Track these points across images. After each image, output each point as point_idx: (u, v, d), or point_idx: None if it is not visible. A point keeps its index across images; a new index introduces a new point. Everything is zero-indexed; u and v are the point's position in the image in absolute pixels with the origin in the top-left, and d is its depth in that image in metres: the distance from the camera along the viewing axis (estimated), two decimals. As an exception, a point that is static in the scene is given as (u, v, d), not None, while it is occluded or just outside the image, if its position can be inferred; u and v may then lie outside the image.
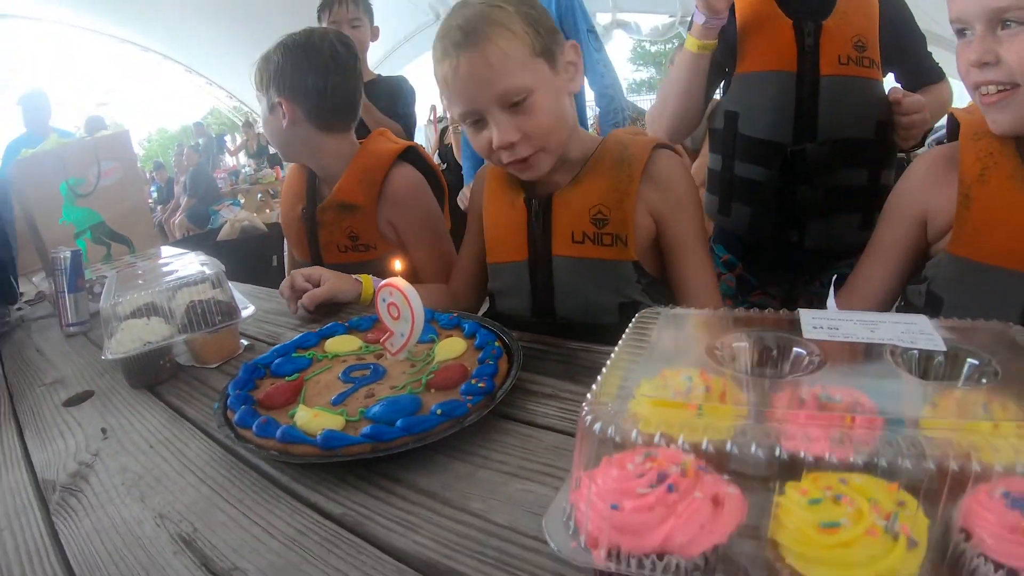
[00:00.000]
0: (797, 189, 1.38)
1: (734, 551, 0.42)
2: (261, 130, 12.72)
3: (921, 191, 1.09)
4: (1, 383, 1.31)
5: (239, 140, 13.89)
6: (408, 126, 2.62)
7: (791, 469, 0.42)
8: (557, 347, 1.00)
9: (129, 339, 1.05)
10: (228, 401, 0.84)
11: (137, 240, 2.04)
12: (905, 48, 1.45)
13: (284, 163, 11.49)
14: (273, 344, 1.12)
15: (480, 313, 1.28)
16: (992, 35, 0.91)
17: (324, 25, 2.43)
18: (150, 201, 10.82)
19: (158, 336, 1.06)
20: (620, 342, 0.59)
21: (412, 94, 2.66)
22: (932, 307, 1.01)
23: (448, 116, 4.45)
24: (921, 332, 0.54)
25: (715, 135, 1.52)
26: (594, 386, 0.49)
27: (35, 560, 0.66)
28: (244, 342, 1.20)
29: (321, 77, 1.48)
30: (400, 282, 0.85)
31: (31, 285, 2.24)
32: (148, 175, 11.26)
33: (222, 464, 0.78)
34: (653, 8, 7.73)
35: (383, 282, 0.87)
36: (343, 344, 0.99)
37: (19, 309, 1.92)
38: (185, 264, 1.26)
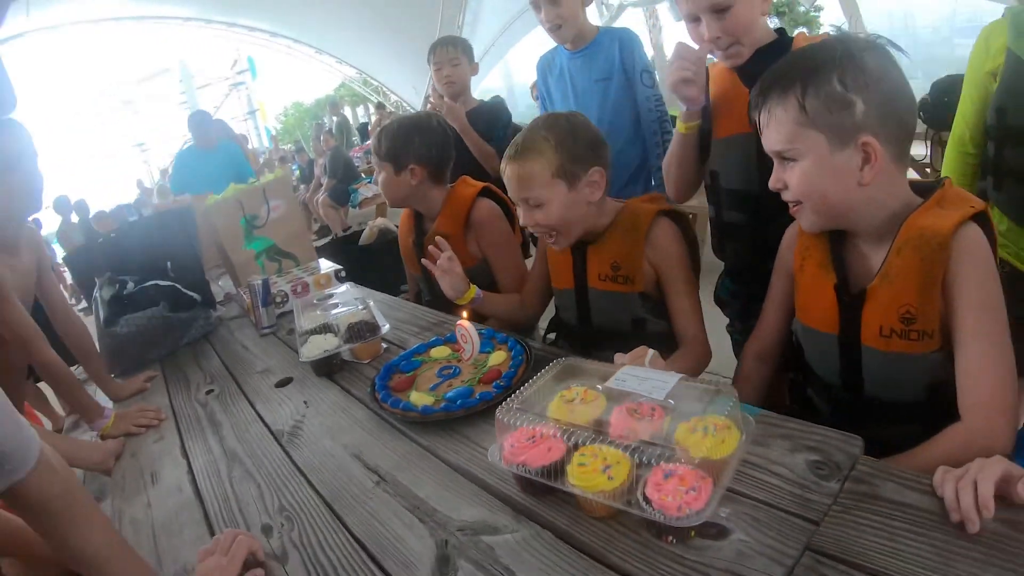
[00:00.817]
0: (769, 226, 1.68)
1: (552, 469, 1.09)
2: (392, 109, 13.61)
3: (784, 256, 1.55)
4: (224, 370, 2.17)
5: (372, 113, 14.69)
6: (501, 149, 3.27)
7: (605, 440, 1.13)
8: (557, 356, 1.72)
9: (315, 348, 1.85)
10: (375, 387, 1.63)
11: (300, 256, 2.92)
12: None
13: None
14: (402, 347, 1.90)
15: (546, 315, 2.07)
16: (781, 166, 1.33)
17: (431, 64, 3.21)
18: (293, 180, 12.03)
19: (332, 346, 1.86)
20: (533, 379, 1.30)
21: (508, 119, 3.28)
22: (796, 353, 1.53)
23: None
24: (659, 387, 1.15)
25: (707, 190, 1.98)
26: (504, 402, 1.22)
27: (282, 466, 1.47)
28: (384, 345, 1.99)
29: (438, 146, 2.27)
30: (465, 323, 1.60)
31: (217, 287, 3.15)
32: (291, 154, 12.43)
33: (372, 421, 1.57)
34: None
35: (457, 323, 1.63)
36: (440, 351, 1.76)
37: (215, 311, 2.81)
38: (343, 296, 2.06)
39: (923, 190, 1.31)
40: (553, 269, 1.96)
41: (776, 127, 1.31)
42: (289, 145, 14.14)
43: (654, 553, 0.99)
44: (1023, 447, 1.20)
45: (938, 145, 4.47)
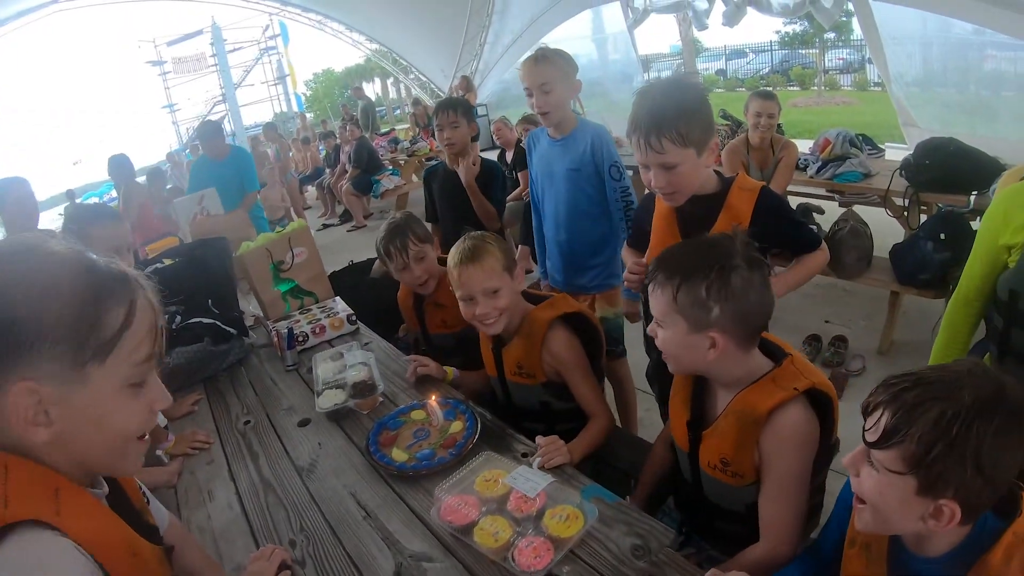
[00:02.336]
0: None
1: (469, 528, 1.85)
2: (426, 105, 14.04)
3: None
4: (258, 403, 2.94)
5: (402, 88, 15.14)
6: (500, 210, 3.99)
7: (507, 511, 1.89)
8: (500, 430, 2.47)
9: (328, 400, 2.61)
10: (369, 441, 2.39)
11: (320, 294, 3.72)
12: (782, 235, 2.24)
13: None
14: (393, 401, 2.65)
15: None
16: (657, 326, 1.81)
17: (435, 125, 3.90)
18: (320, 160, 12.69)
19: (341, 399, 2.62)
20: (460, 471, 2.06)
21: (503, 181, 3.92)
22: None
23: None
24: (534, 486, 1.93)
25: (643, 307, 2.65)
26: (440, 486, 1.98)
27: (302, 496, 2.23)
28: (380, 399, 2.73)
29: None
30: (432, 403, 2.37)
31: (244, 302, 3.87)
32: (318, 141, 13.09)
33: (365, 467, 2.32)
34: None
35: (428, 402, 2.39)
36: (418, 414, 2.50)
37: (248, 338, 3.54)
38: (351, 358, 2.82)
39: (773, 354, 1.78)
40: (484, 360, 2.62)
41: (656, 300, 1.74)
42: (318, 128, 14.66)
43: None
44: (805, 553, 1.73)
45: (915, 204, 4.95)
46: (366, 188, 10.76)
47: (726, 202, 2.18)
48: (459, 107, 3.83)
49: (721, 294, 1.62)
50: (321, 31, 16.42)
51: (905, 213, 5.03)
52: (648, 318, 2.34)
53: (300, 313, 3.58)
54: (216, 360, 3.27)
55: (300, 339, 3.32)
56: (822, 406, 1.70)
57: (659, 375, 2.58)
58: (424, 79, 16.55)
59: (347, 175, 10.89)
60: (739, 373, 1.75)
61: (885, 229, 5.30)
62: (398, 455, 2.28)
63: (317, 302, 3.71)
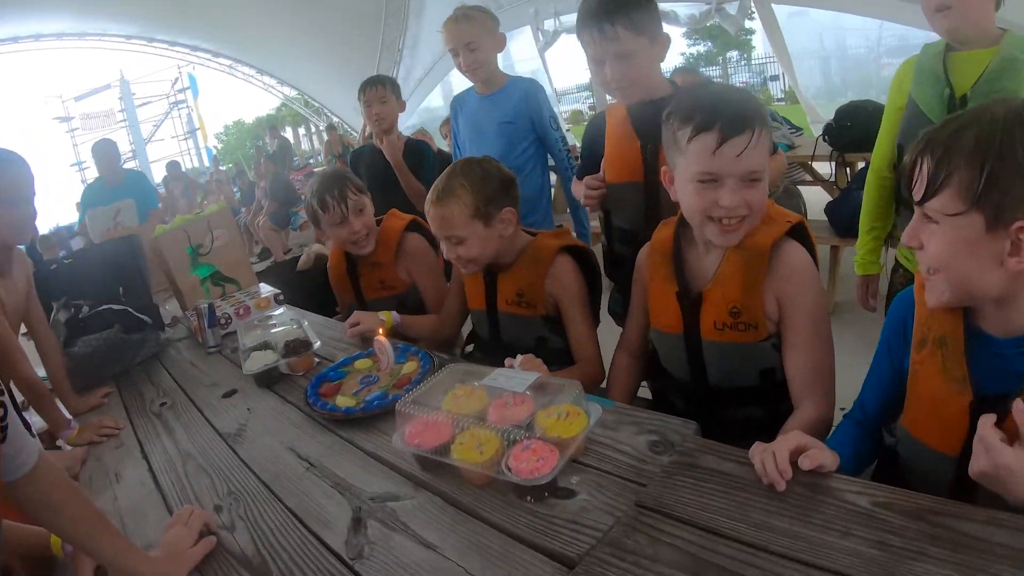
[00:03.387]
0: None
1: (443, 448, 1.43)
2: (343, 133, 13.67)
3: (640, 272, 1.85)
4: (175, 386, 2.45)
5: (313, 132, 14.82)
6: (429, 185, 3.60)
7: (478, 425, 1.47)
8: (462, 365, 2.05)
9: (256, 362, 2.15)
10: (308, 393, 1.94)
11: (242, 280, 3.21)
12: None
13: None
14: (331, 361, 2.21)
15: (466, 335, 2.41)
16: (742, 187, 1.49)
17: (362, 103, 3.54)
18: (235, 201, 12.14)
19: (271, 360, 2.16)
20: (426, 380, 1.64)
21: (435, 161, 3.58)
22: (654, 360, 1.85)
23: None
24: (519, 383, 1.51)
25: (601, 223, 2.31)
26: (403, 396, 1.55)
27: (227, 459, 1.76)
28: (316, 360, 2.29)
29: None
30: (380, 339, 1.92)
31: (165, 310, 3.40)
32: (231, 178, 12.53)
33: (305, 421, 1.87)
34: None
35: (375, 337, 1.94)
36: (363, 363, 2.07)
37: (164, 333, 3.05)
38: (281, 317, 2.36)
39: None
40: (468, 292, 2.26)
41: (760, 152, 1.49)
42: (230, 166, 14.19)
43: (515, 509, 1.31)
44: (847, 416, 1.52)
45: (841, 165, 4.87)
46: (284, 222, 10.17)
47: None
48: (387, 82, 3.58)
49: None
50: (232, 76, 16.02)
51: (832, 177, 4.95)
52: (611, 236, 2.19)
53: (222, 300, 3.09)
54: (129, 351, 2.77)
55: (223, 321, 2.84)
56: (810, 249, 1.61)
57: (616, 269, 2.34)
58: (337, 119, 16.20)
59: (263, 211, 10.26)
60: None
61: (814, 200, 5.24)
62: (343, 402, 1.84)
63: (240, 290, 3.22)
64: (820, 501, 1.13)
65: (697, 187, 1.52)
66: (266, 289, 3.14)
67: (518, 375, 1.55)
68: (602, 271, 2.23)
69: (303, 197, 10.38)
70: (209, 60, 15.56)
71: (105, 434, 2.16)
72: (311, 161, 14.17)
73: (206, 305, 2.73)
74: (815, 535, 1.06)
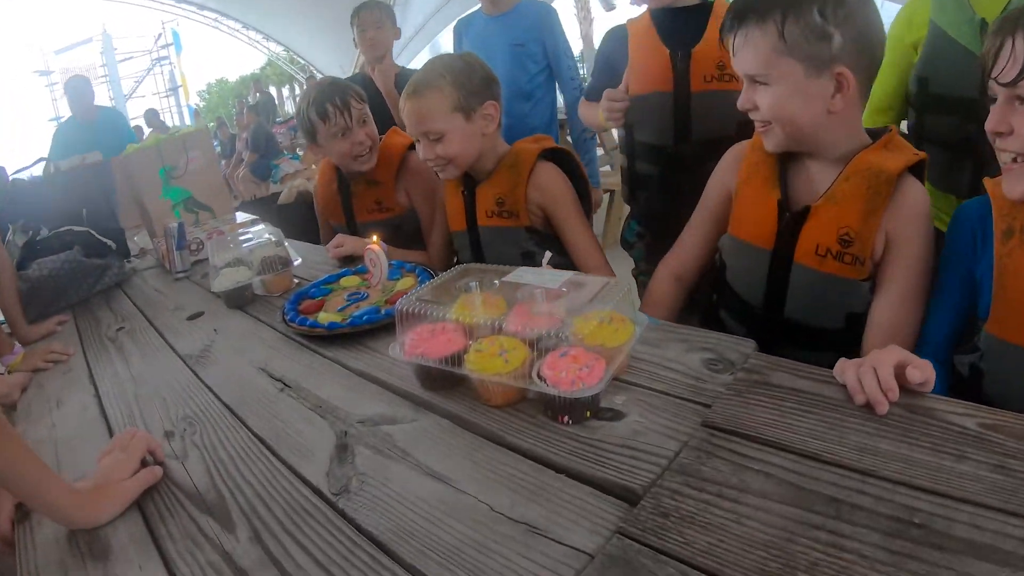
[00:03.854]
0: (679, 178, 1.82)
1: (453, 359, 1.12)
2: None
3: (725, 172, 1.52)
4: (136, 311, 2.12)
5: (297, 93, 14.39)
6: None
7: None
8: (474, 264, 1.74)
9: (227, 279, 1.83)
10: (285, 309, 1.62)
11: (218, 208, 2.86)
12: None
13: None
14: (312, 281, 1.89)
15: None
16: (752, 87, 1.32)
17: (355, 31, 3.15)
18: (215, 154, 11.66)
19: (244, 277, 1.84)
20: (433, 279, 1.32)
21: None
22: (717, 272, 1.56)
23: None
24: (551, 280, 1.17)
25: (621, 141, 2.05)
26: (406, 295, 1.23)
27: (186, 383, 1.45)
28: (296, 280, 1.97)
29: None
30: (375, 247, 1.60)
31: (132, 243, 3.06)
32: (212, 130, 12.05)
33: (280, 340, 1.56)
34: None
35: (368, 245, 1.62)
36: (350, 281, 1.75)
37: (130, 262, 2.74)
38: (257, 232, 2.03)
39: (872, 134, 1.34)
40: (449, 213, 1.98)
41: (752, 51, 1.29)
42: (211, 124, 13.72)
43: (549, 432, 1.02)
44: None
45: None
46: (264, 174, 9.71)
47: (713, 11, 1.81)
48: (382, 7, 3.24)
49: (839, 15, 1.22)
50: (217, 30, 15.47)
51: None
52: (633, 154, 1.99)
53: (194, 227, 2.75)
54: (88, 277, 2.43)
55: (193, 247, 2.50)
56: None
57: (644, 224, 2.13)
58: (321, 76, 15.71)
59: (244, 163, 9.83)
60: (853, 138, 1.33)
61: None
62: (327, 318, 1.53)
63: (215, 218, 2.87)
64: (923, 423, 0.92)
65: None
66: (243, 217, 2.79)
67: (548, 273, 1.24)
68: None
69: (285, 151, 10.10)
70: (194, 13, 15.00)
71: (52, 360, 1.84)
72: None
73: (175, 225, 2.39)
74: (927, 459, 0.85)
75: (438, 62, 1.79)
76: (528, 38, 2.83)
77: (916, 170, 1.28)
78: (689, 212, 1.63)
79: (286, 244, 1.97)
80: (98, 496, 1.03)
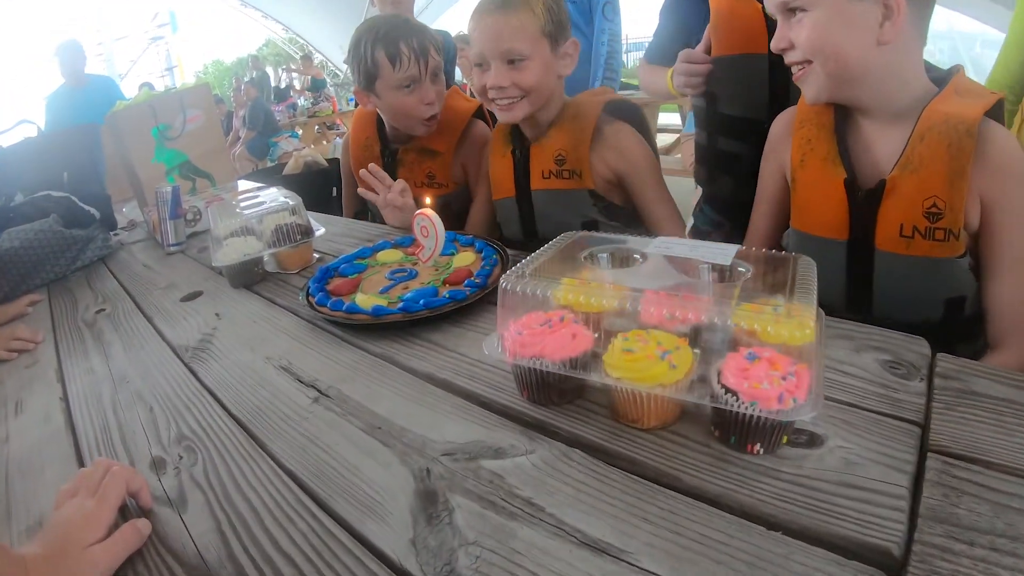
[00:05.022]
0: None
1: (582, 362, 0.77)
2: (317, 63, 12.95)
3: (779, 152, 1.29)
4: (120, 289, 1.73)
5: (294, 77, 14.00)
6: (447, 81, 2.90)
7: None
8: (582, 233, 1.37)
9: (233, 252, 1.44)
10: (310, 290, 1.24)
11: (218, 175, 2.46)
12: None
13: (341, 97, 11.57)
14: (336, 256, 1.51)
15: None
16: (787, 23, 1.12)
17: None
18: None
19: (254, 250, 1.45)
20: (538, 252, 0.94)
21: (453, 51, 2.90)
22: None
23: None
24: (722, 254, 0.83)
25: (698, 112, 1.68)
26: (510, 270, 0.86)
27: (182, 385, 1.06)
28: (316, 255, 1.59)
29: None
30: (430, 212, 1.22)
31: (121, 215, 2.66)
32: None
33: (305, 329, 1.18)
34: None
35: (419, 211, 1.24)
36: (389, 255, 1.38)
37: (116, 235, 2.33)
38: (270, 196, 1.64)
39: (936, 80, 1.11)
40: (493, 179, 1.62)
41: None
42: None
43: (737, 468, 0.69)
44: None
45: None
46: (262, 152, 9.23)
47: None
48: None
49: None
50: (213, 9, 15.01)
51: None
52: (714, 128, 1.62)
53: (191, 195, 2.36)
54: (68, 251, 2.03)
55: (190, 216, 2.12)
56: None
57: (722, 212, 1.79)
58: (322, 57, 15.24)
59: (240, 141, 9.36)
60: (913, 83, 1.10)
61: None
62: (367, 301, 1.14)
63: (214, 187, 2.47)
64: None
65: None
66: (246, 186, 2.40)
67: (703, 244, 0.86)
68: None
69: (283, 130, 9.66)
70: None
71: (17, 348, 1.46)
72: (292, 93, 13.20)
73: (169, 189, 1.99)
74: None
75: None
76: None
77: (993, 114, 1.05)
78: None
79: (305, 211, 1.58)
80: (51, 571, 0.66)
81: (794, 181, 1.21)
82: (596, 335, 0.78)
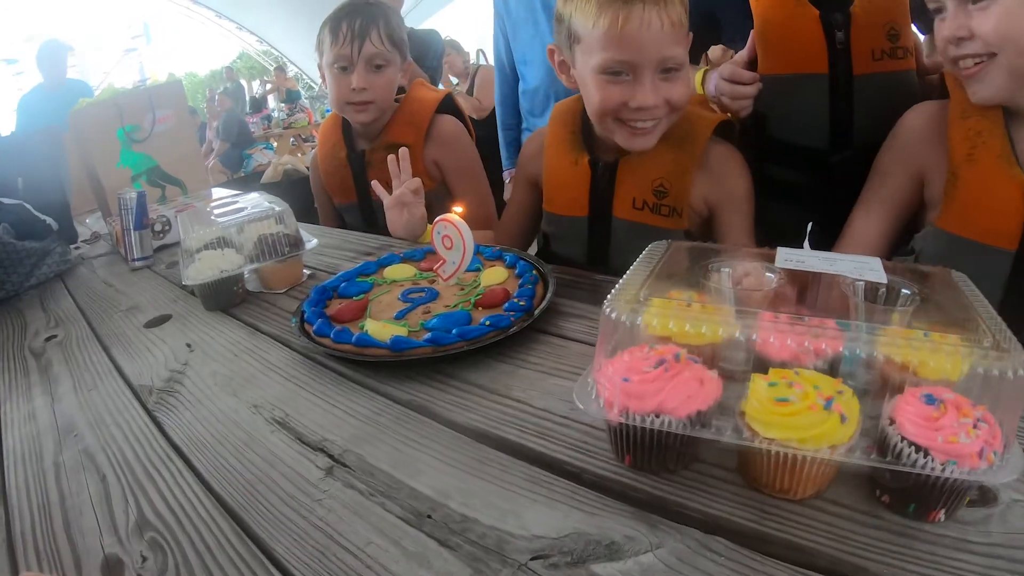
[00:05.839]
0: (836, 191, 1.30)
1: (712, 416, 0.56)
2: (291, 75, 12.71)
3: (916, 149, 1.12)
4: (76, 311, 1.47)
5: (267, 86, 13.77)
6: (433, 79, 2.70)
7: (764, 367, 0.57)
8: (586, 278, 1.13)
9: (207, 267, 1.19)
10: (305, 316, 0.99)
11: (189, 182, 2.20)
12: None
13: (317, 109, 11.36)
14: (332, 273, 1.27)
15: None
16: (963, 10, 0.95)
17: None
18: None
19: (232, 265, 1.21)
20: (633, 265, 0.72)
21: (441, 49, 2.75)
22: None
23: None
24: (870, 269, 0.66)
25: (745, 135, 1.39)
26: (612, 291, 0.63)
27: (144, 444, 0.81)
28: (307, 271, 1.34)
29: None
30: (455, 217, 0.98)
31: (84, 227, 2.39)
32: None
33: (302, 366, 0.93)
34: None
35: (440, 217, 1.01)
36: (399, 271, 1.13)
37: (77, 248, 2.08)
38: (251, 201, 1.39)
39: None
40: (558, 191, 1.33)
41: None
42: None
43: (925, 544, 0.52)
44: None
45: None
46: (236, 164, 8.88)
47: None
48: None
49: None
50: (188, 20, 14.60)
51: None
52: (766, 156, 1.36)
53: (159, 204, 2.09)
54: (20, 266, 1.76)
55: (157, 227, 1.86)
56: None
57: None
58: (297, 70, 14.95)
59: (213, 153, 9.05)
60: None
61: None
62: (381, 330, 0.89)
63: (185, 195, 2.21)
64: None
65: None
66: (221, 194, 2.14)
67: (838, 257, 0.68)
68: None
69: (257, 141, 9.39)
70: (166, 0, 14.19)
71: (-53, 385, 1.20)
72: (269, 101, 12.99)
73: (133, 195, 1.73)
74: None
75: None
76: None
77: None
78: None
79: (294, 220, 1.33)
80: None
81: (955, 177, 1.03)
82: (723, 378, 0.57)
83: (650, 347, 0.59)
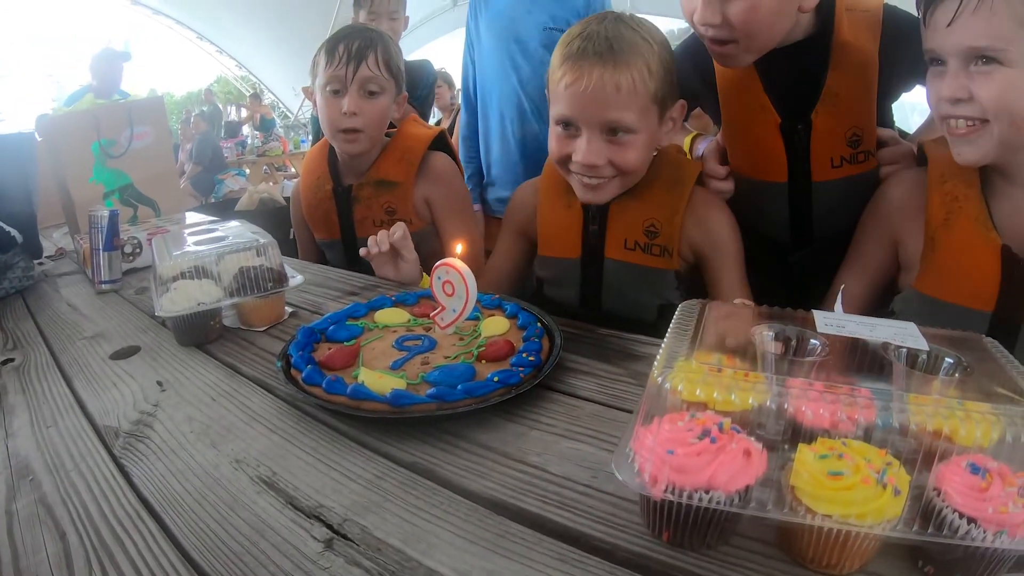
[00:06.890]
0: (793, 257, 1.36)
1: (760, 492, 0.52)
2: (267, 102, 12.63)
3: (895, 216, 1.14)
4: (37, 333, 1.37)
5: (243, 112, 13.69)
6: (423, 111, 2.64)
7: (801, 435, 0.54)
8: (590, 332, 1.07)
9: (183, 298, 1.11)
10: (292, 361, 0.91)
11: (163, 204, 2.11)
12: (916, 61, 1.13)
13: (291, 139, 11.28)
14: (316, 312, 1.20)
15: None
16: (965, 71, 0.94)
17: (361, 15, 2.44)
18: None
19: (211, 297, 1.12)
20: (671, 328, 0.67)
21: (434, 78, 2.69)
22: None
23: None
24: (909, 335, 0.65)
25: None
26: (657, 358, 0.57)
27: (111, 497, 0.72)
28: (289, 310, 1.26)
29: None
30: (458, 263, 0.92)
31: (49, 241, 2.28)
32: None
33: (289, 417, 0.85)
34: (668, 11, 7.61)
35: (441, 261, 0.94)
36: (392, 316, 1.06)
37: (41, 263, 1.97)
38: (232, 230, 1.32)
39: None
40: (552, 234, 1.33)
41: (986, 19, 0.91)
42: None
43: None
44: None
45: None
46: (207, 189, 8.73)
47: (834, 42, 1.20)
48: None
49: None
50: (168, 39, 14.50)
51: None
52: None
53: (131, 224, 1.99)
54: (-24, 281, 1.67)
55: (128, 250, 1.76)
56: None
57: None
58: (273, 98, 14.87)
59: (185, 175, 8.87)
60: None
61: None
62: (377, 381, 0.81)
63: (158, 216, 2.11)
64: None
65: None
66: (195, 219, 2.05)
67: (878, 322, 0.68)
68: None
69: (230, 167, 9.27)
70: (149, 18, 14.02)
71: None
72: (244, 130, 12.89)
73: (105, 214, 1.63)
74: None
75: (627, 20, 1.17)
76: (570, 21, 2.00)
77: None
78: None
79: (278, 253, 1.25)
80: None
81: (933, 242, 1.05)
82: (768, 451, 0.54)
83: (691, 415, 0.54)
